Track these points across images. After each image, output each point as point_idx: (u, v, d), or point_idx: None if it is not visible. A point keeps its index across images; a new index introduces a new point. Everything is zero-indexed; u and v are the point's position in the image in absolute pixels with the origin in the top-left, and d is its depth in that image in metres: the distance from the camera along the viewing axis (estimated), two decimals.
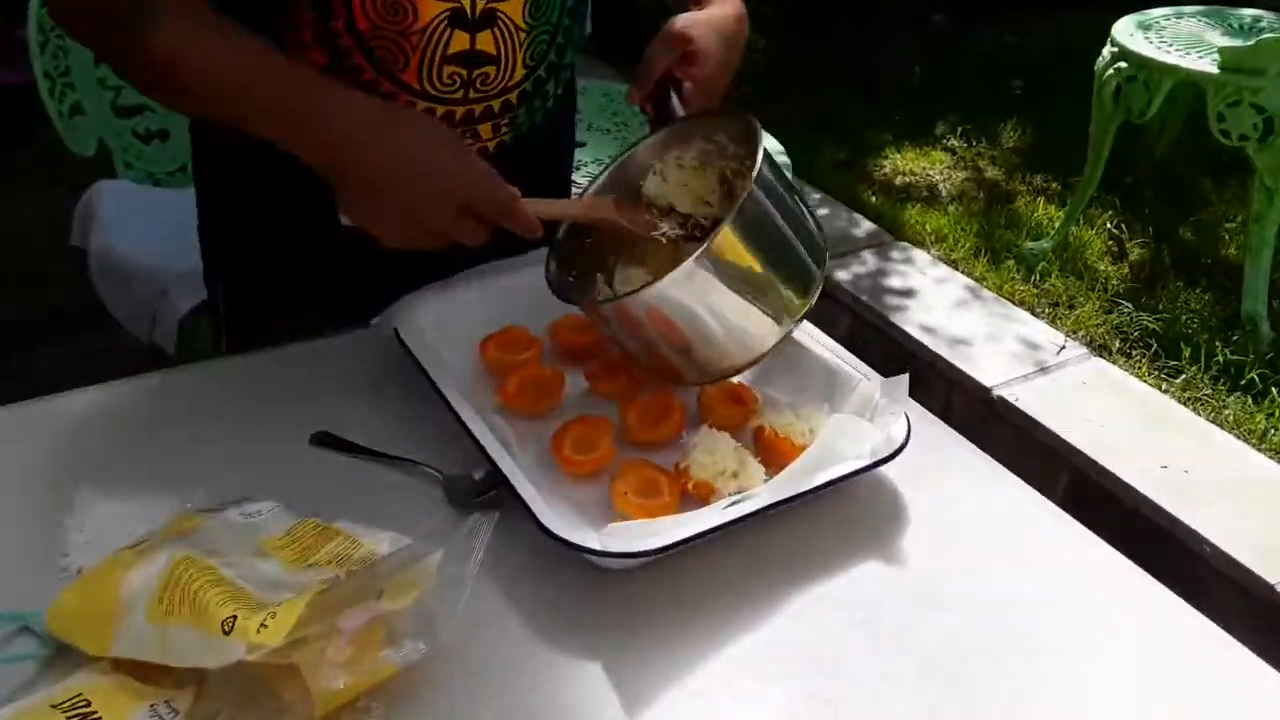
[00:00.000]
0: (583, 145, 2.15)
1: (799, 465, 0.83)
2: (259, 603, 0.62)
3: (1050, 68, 3.54)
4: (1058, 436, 1.70)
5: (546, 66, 1.01)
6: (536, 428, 0.94)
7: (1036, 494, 0.93)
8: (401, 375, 0.95)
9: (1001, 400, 1.78)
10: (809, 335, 0.99)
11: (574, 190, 1.90)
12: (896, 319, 1.98)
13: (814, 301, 0.89)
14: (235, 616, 0.60)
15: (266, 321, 1.13)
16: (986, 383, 1.82)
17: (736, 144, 0.94)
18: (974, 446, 0.98)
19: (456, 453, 0.86)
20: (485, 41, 0.94)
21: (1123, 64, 2.22)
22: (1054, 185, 2.92)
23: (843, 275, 2.22)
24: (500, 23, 0.94)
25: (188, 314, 1.88)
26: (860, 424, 0.86)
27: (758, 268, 0.84)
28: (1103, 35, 2.35)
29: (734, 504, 0.80)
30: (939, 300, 2.12)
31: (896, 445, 0.85)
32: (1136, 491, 1.60)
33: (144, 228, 2.00)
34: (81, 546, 0.77)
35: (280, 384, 0.99)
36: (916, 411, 0.98)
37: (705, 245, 0.80)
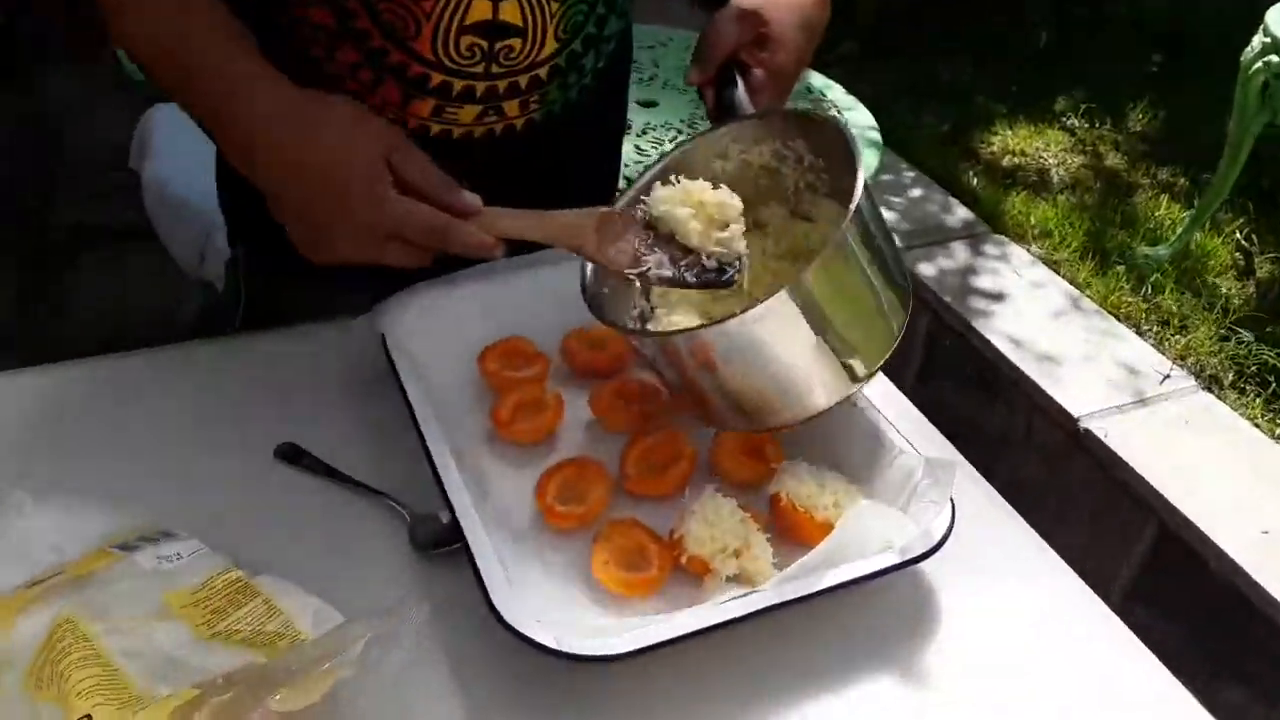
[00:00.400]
0: (654, 106, 2.00)
1: (813, 558, 0.70)
2: (131, 695, 0.53)
3: (1195, 44, 3.20)
4: (1147, 483, 1.52)
5: (583, 39, 0.88)
6: (526, 460, 0.84)
7: (1091, 594, 0.80)
8: (388, 382, 0.85)
9: (1088, 433, 1.60)
10: None
11: (630, 160, 1.76)
12: (981, 325, 1.80)
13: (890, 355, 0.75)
14: (90, 717, 0.51)
15: (284, 291, 1.05)
16: (1074, 411, 1.63)
17: (816, 153, 0.81)
18: (1026, 524, 0.85)
19: (431, 486, 0.76)
20: (510, 11, 0.82)
21: (1274, 57, 1.95)
22: (1181, 181, 2.65)
23: (927, 269, 2.03)
24: None
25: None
26: (892, 514, 0.72)
27: (842, 313, 0.71)
28: (1261, 14, 2.07)
29: (729, 600, 0.68)
30: (1033, 308, 1.92)
31: (933, 543, 0.72)
32: (1229, 558, 1.42)
33: (197, 158, 1.93)
34: None
35: (258, 377, 0.92)
36: (966, 472, 0.85)
37: (794, 283, 0.67)
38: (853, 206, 0.69)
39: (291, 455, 0.83)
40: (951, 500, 0.73)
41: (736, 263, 0.74)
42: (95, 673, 0.54)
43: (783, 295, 0.67)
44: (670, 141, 1.92)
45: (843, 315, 0.71)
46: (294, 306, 1.03)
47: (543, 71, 0.87)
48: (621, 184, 1.70)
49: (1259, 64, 1.96)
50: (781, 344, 0.70)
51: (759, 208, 0.86)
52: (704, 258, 0.74)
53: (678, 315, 0.82)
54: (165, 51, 0.74)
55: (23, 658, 0.57)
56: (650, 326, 0.82)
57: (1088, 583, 0.81)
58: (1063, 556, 0.83)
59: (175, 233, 2.05)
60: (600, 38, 0.90)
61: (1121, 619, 0.79)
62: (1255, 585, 1.38)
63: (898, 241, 0.85)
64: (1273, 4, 2.11)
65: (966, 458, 0.89)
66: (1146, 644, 0.77)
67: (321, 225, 0.71)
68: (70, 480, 0.77)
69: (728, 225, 0.74)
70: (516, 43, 0.84)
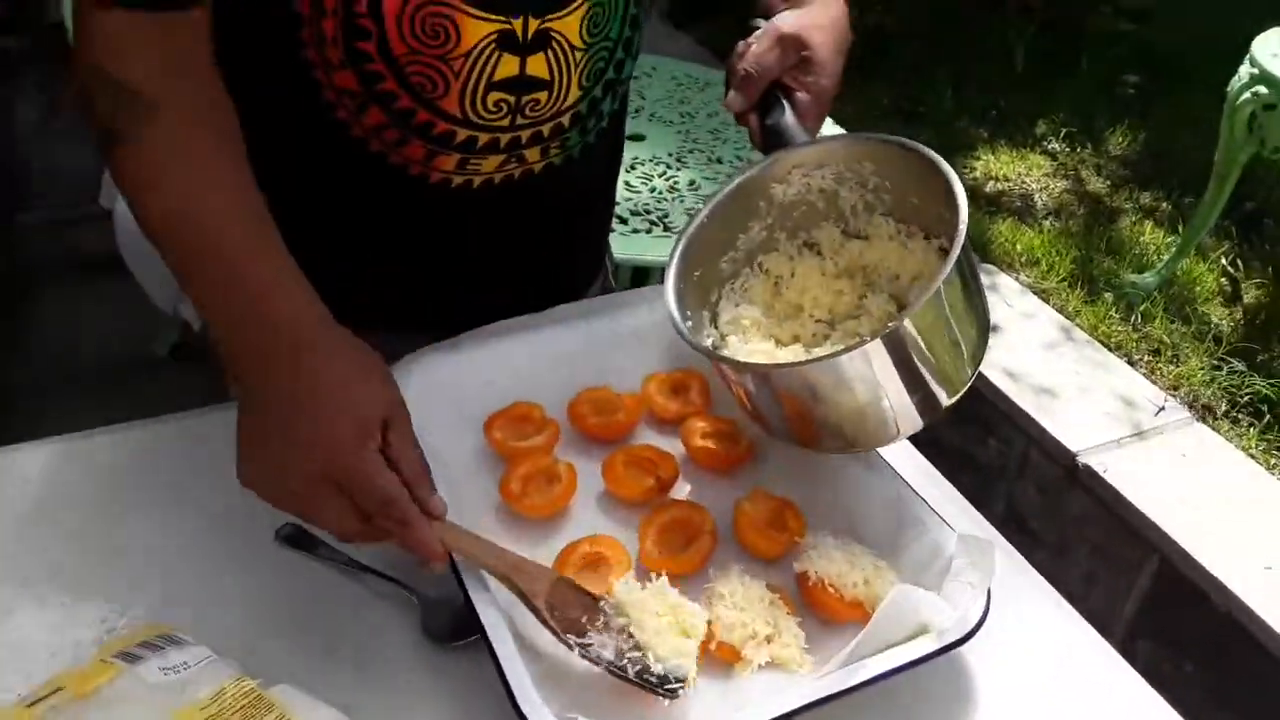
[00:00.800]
0: (641, 140, 1.97)
1: (848, 652, 0.68)
2: None
3: (1175, 67, 3.22)
4: (1148, 519, 1.51)
5: (604, 85, 0.87)
6: (539, 535, 0.81)
7: (1135, 674, 0.78)
8: None
9: (1087, 469, 1.59)
10: (876, 452, 0.83)
11: (620, 196, 1.73)
12: None
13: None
14: None
15: None
16: (1072, 447, 1.62)
17: (882, 175, 0.83)
18: (1063, 600, 0.82)
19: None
20: (537, 65, 0.80)
21: (1262, 89, 1.96)
22: (1164, 205, 2.66)
23: None
24: (555, 44, 0.80)
25: None
26: (929, 599, 0.70)
27: (937, 348, 0.73)
28: (1247, 39, 2.06)
29: (767, 699, 0.65)
30: (1025, 340, 1.91)
31: (969, 628, 0.69)
32: (1231, 594, 1.41)
33: None
34: None
35: None
36: (994, 540, 0.83)
37: (892, 328, 0.70)
38: (955, 250, 0.70)
39: (294, 539, 0.79)
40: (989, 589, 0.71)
41: (682, 683, 0.67)
42: None
43: (878, 341, 0.70)
44: (660, 177, 1.89)
45: (937, 349, 0.73)
46: None
47: (565, 119, 0.86)
48: (615, 223, 1.68)
49: (1246, 95, 1.97)
50: (874, 380, 0.72)
51: (810, 229, 0.88)
52: (651, 661, 0.67)
53: (754, 343, 0.84)
54: (182, 235, 0.68)
55: None
56: (726, 354, 0.83)
57: (1091, 619, 0.80)
58: (1064, 592, 0.82)
59: (150, 274, 1.99)
60: (618, 80, 0.89)
61: (1126, 655, 0.78)
62: (1259, 621, 1.37)
63: None
64: (1254, 27, 2.12)
65: (962, 492, 0.88)
66: (1150, 679, 0.76)
67: (279, 453, 0.65)
68: (59, 572, 0.74)
69: (688, 637, 0.69)
70: (543, 95, 0.82)
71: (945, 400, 0.75)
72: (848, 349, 0.71)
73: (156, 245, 0.69)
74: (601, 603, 0.70)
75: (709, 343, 0.83)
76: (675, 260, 0.82)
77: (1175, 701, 0.75)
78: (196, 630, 0.67)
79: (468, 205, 0.89)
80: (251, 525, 0.80)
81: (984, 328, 0.77)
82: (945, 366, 0.74)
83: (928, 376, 0.73)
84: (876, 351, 0.70)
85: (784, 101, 0.85)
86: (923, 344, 0.71)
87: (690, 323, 0.81)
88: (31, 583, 0.72)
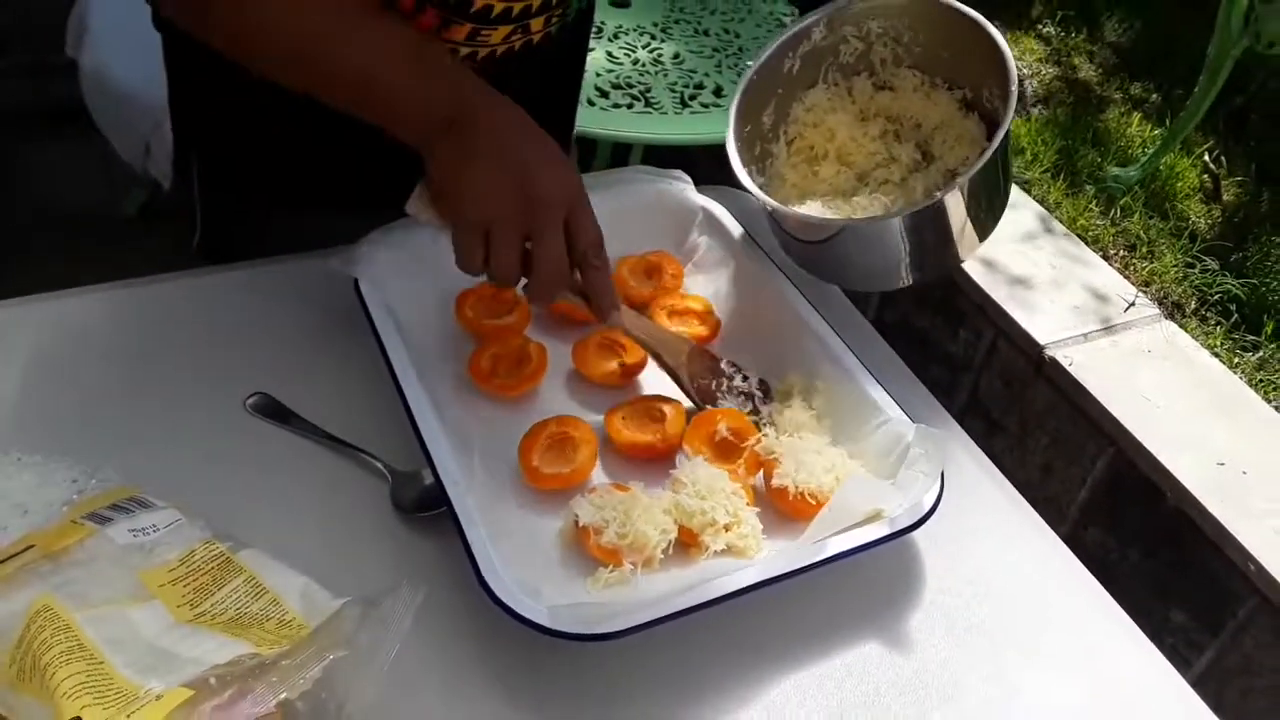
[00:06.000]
0: (625, 7, 1.90)
1: (805, 537, 0.70)
2: (119, 692, 0.51)
3: None
4: (1106, 411, 1.54)
5: None
6: (508, 415, 0.82)
7: (1081, 567, 0.81)
8: (363, 326, 0.82)
9: (1052, 361, 1.61)
10: (842, 342, 0.84)
11: (601, 69, 1.67)
12: None
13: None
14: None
15: (244, 212, 1.01)
16: (1040, 339, 1.64)
17: (915, 29, 0.91)
18: (1015, 492, 0.85)
19: (412, 439, 0.74)
20: None
21: None
22: (1154, 96, 2.62)
23: None
24: None
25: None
26: (882, 487, 0.72)
27: (983, 197, 0.85)
28: None
29: (722, 577, 0.67)
30: (1005, 230, 1.89)
31: (921, 514, 0.72)
32: (1182, 487, 1.45)
33: (138, 45, 1.80)
34: None
35: (226, 319, 0.88)
36: (953, 434, 0.85)
37: (956, 183, 0.80)
38: (1004, 126, 0.81)
39: (264, 407, 0.80)
40: (941, 476, 0.73)
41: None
42: (81, 669, 0.52)
43: (946, 196, 0.80)
44: (644, 48, 1.84)
45: (983, 199, 0.84)
46: (258, 226, 0.99)
47: None
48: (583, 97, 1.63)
49: None
50: (907, 237, 0.83)
51: (852, 78, 0.95)
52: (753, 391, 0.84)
53: (790, 177, 0.94)
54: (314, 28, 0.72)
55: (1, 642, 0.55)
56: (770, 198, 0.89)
57: (1045, 506, 0.84)
58: (1021, 481, 0.86)
59: (117, 126, 1.94)
60: None
61: (1074, 542, 0.82)
62: (1207, 514, 1.42)
63: None
64: None
65: (929, 381, 0.91)
66: (1096, 566, 0.80)
67: (502, 177, 0.70)
68: (30, 432, 0.74)
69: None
70: None
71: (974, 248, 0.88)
72: (910, 208, 0.82)
73: (281, 70, 0.75)
74: (721, 363, 0.85)
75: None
76: (738, 96, 0.90)
77: (1118, 589, 0.79)
78: (166, 495, 0.68)
79: None
80: (219, 392, 0.80)
81: (1007, 193, 0.89)
82: (978, 224, 0.86)
83: (959, 234, 0.84)
84: (941, 204, 0.80)
85: None
86: (965, 203, 0.82)
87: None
88: (4, 442, 0.72)
